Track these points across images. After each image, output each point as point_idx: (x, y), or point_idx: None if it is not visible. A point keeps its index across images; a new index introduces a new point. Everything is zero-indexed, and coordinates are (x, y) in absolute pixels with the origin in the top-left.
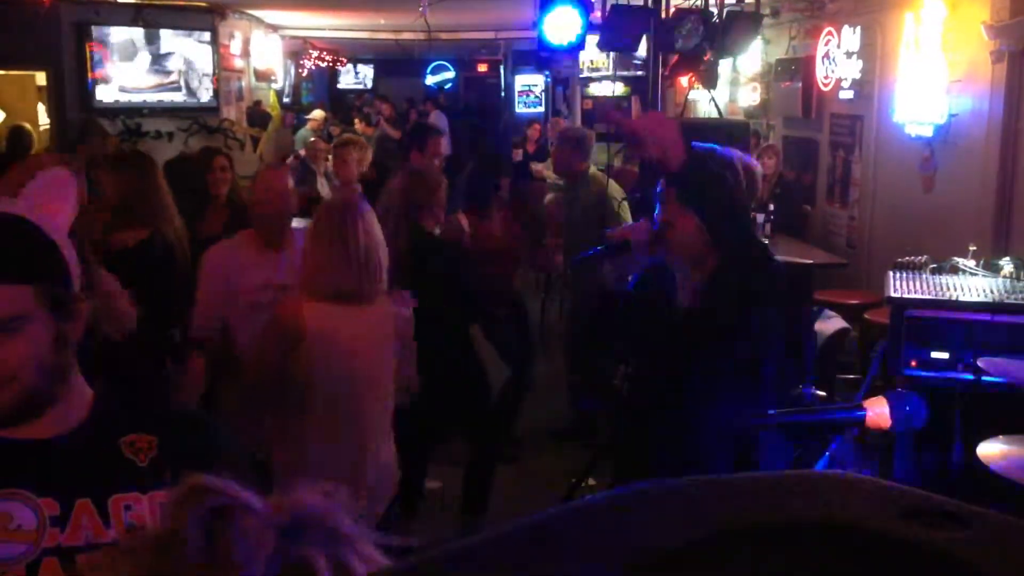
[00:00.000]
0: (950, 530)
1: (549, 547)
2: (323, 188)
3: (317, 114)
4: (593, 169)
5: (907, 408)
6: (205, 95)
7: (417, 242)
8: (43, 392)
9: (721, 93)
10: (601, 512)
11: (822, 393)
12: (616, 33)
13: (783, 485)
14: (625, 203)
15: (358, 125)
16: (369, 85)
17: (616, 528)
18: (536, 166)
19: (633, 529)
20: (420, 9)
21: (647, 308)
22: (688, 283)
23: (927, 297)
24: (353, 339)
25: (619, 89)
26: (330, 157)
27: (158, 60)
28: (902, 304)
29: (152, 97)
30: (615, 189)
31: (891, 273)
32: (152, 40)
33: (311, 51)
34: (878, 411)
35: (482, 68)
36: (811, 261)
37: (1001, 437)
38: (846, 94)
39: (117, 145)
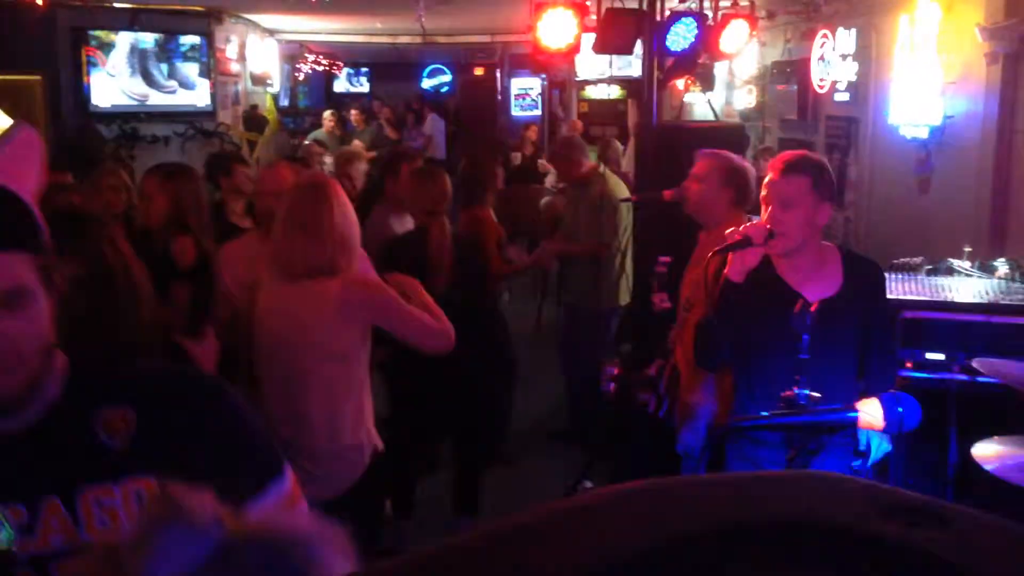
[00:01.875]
0: (930, 529)
1: (534, 547)
2: None
3: (329, 114)
4: (602, 168)
5: (900, 409)
6: (201, 99)
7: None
8: (42, 374)
9: (717, 96)
10: (586, 512)
11: (817, 395)
12: (611, 36)
13: (766, 485)
14: (623, 204)
15: (355, 117)
16: (366, 89)
17: (601, 527)
18: (542, 161)
19: (618, 528)
20: (417, 13)
21: (764, 302)
22: (810, 277)
23: (922, 298)
24: (300, 313)
25: (615, 92)
26: (326, 160)
27: (154, 64)
28: (898, 305)
29: (148, 101)
30: (614, 189)
31: (886, 275)
32: (148, 44)
33: (307, 55)
34: (871, 412)
35: (478, 72)
36: None
37: (996, 438)
38: (841, 96)
39: (114, 150)
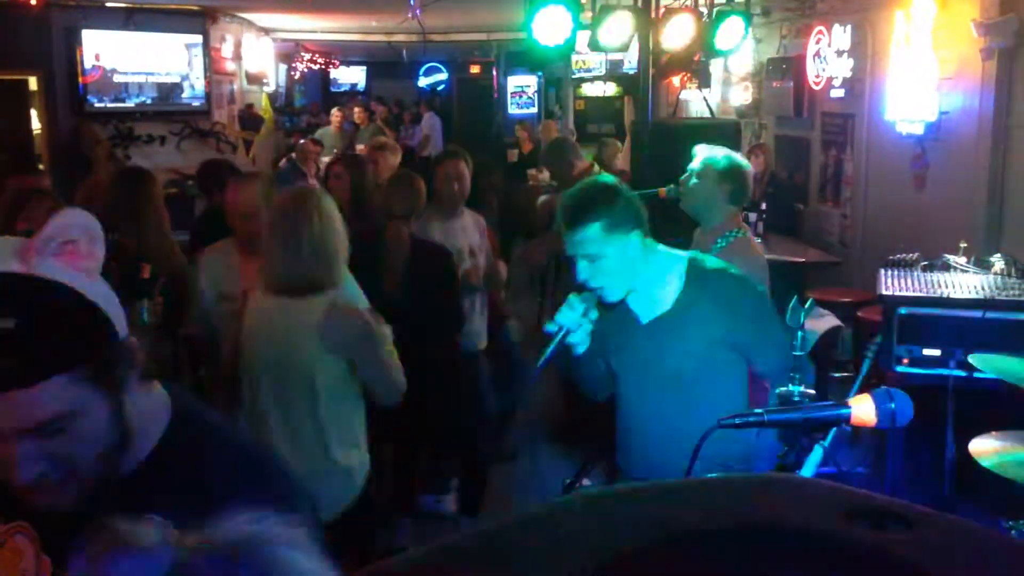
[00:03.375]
0: (894, 531)
1: (504, 557)
2: None
3: (336, 110)
4: (596, 168)
5: (892, 405)
6: (197, 99)
7: (416, 247)
8: (110, 470)
9: (713, 92)
10: (551, 519)
11: (811, 392)
12: (606, 33)
13: (732, 489)
14: None
15: (357, 114)
16: (361, 87)
17: (567, 535)
18: (532, 172)
19: (585, 535)
20: (409, 14)
21: (610, 325)
22: (648, 296)
23: (919, 294)
24: (289, 331)
25: (611, 89)
26: (324, 160)
27: (149, 64)
28: (894, 302)
29: (143, 101)
30: None
31: (883, 271)
32: (143, 44)
33: (303, 54)
34: (863, 408)
35: (475, 70)
36: (804, 260)
37: (993, 433)
38: (837, 92)
39: (109, 149)
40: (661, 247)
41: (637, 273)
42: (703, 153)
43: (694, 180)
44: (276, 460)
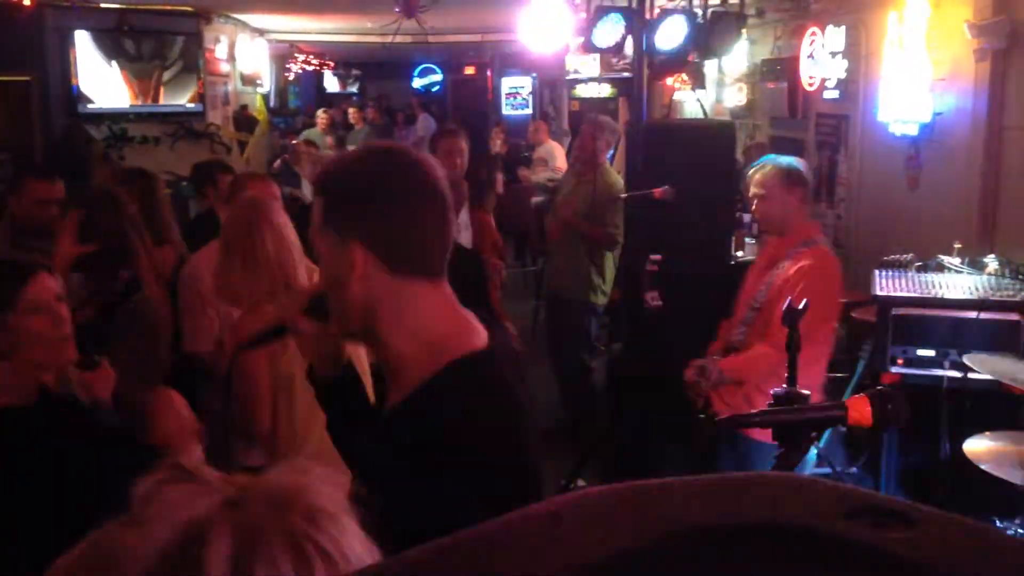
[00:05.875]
0: (896, 530)
1: (495, 557)
2: (307, 189)
3: (322, 112)
4: (607, 164)
5: (888, 407)
6: (191, 100)
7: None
8: None
9: (707, 94)
10: (543, 519)
11: (806, 392)
12: (601, 34)
13: (729, 487)
14: (617, 203)
15: (353, 115)
16: (356, 88)
17: (559, 534)
18: (523, 172)
19: (577, 535)
20: (399, 12)
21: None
22: (392, 379)
23: (913, 295)
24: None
25: (606, 91)
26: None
27: (143, 64)
28: (888, 302)
29: (137, 102)
30: (616, 184)
31: (877, 272)
32: (137, 44)
33: (297, 55)
34: (859, 410)
35: (469, 71)
36: None
37: (987, 434)
38: (831, 94)
39: (103, 150)
40: (447, 306)
41: (353, 312)
42: (761, 169)
43: (762, 197)
44: None
